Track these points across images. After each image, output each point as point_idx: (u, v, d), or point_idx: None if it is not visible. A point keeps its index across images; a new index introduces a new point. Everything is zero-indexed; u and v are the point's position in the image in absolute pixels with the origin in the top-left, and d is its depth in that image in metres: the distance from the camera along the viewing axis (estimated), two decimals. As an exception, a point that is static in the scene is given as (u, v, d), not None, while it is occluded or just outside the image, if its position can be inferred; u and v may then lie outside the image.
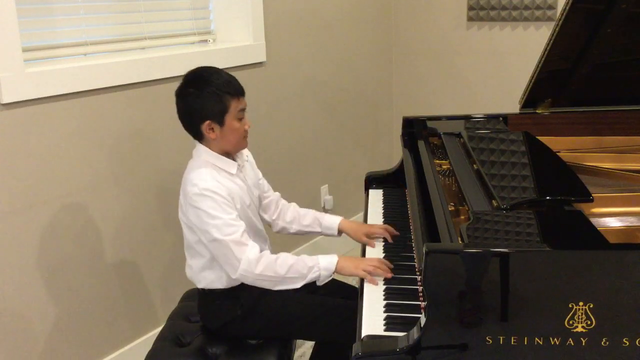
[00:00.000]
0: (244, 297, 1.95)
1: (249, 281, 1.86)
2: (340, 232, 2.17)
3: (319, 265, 1.87)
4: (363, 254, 2.04)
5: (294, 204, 2.22)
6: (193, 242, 1.94)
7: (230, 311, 1.95)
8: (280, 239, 2.14)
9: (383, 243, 2.07)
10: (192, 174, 1.87)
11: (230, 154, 1.96)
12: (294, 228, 2.18)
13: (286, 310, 1.96)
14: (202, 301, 2.02)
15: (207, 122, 1.87)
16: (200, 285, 1.99)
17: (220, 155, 1.92)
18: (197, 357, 1.92)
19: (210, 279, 1.95)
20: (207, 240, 1.85)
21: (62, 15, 2.36)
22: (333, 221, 2.17)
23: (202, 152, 1.92)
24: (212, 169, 1.88)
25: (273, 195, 2.19)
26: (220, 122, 1.88)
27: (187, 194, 1.86)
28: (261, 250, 1.89)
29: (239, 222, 1.86)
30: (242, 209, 1.94)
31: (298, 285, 1.87)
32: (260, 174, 2.15)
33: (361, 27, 3.61)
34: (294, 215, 2.18)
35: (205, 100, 1.86)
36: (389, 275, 1.80)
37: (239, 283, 1.92)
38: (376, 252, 2.01)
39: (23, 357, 2.24)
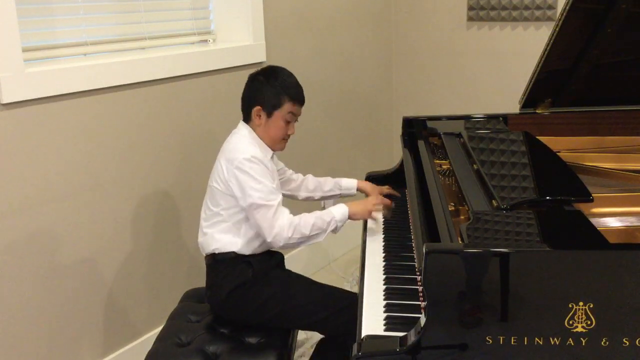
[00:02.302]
0: (255, 262, 2.05)
1: (280, 244, 1.99)
2: (358, 189, 2.41)
3: (335, 218, 2.05)
4: (363, 248, 2.06)
5: (310, 175, 2.41)
6: (222, 209, 2.04)
7: (243, 273, 2.03)
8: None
9: (383, 243, 2.07)
10: (240, 143, 2.04)
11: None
12: (317, 195, 2.40)
13: (292, 287, 2.07)
14: (212, 268, 2.09)
15: (258, 107, 2.05)
16: (212, 248, 2.06)
17: (260, 139, 2.08)
18: (197, 357, 1.92)
19: (224, 242, 2.05)
20: (247, 203, 1.97)
21: (62, 15, 2.36)
22: (351, 182, 2.41)
23: (246, 131, 2.08)
24: (256, 145, 2.05)
25: (289, 173, 2.38)
26: (269, 114, 2.06)
27: (234, 159, 1.99)
28: None
29: (278, 192, 2.03)
30: None
31: (321, 239, 2.05)
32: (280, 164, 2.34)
33: (361, 27, 3.61)
34: (315, 184, 2.39)
35: (267, 89, 2.05)
36: (390, 203, 2.23)
37: (251, 250, 2.04)
38: (376, 251, 2.02)
39: (23, 357, 2.24)
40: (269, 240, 1.99)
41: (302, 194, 2.39)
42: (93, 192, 2.37)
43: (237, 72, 2.82)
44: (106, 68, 2.33)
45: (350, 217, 2.10)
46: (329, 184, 2.39)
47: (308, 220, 2.01)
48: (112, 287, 2.49)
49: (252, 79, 2.11)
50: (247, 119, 2.10)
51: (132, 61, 2.42)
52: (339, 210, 2.08)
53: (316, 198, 2.41)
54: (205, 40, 2.89)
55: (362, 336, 1.53)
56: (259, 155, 2.00)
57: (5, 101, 2.05)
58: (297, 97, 2.09)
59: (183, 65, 2.61)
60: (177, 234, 2.70)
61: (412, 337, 1.40)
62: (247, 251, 2.05)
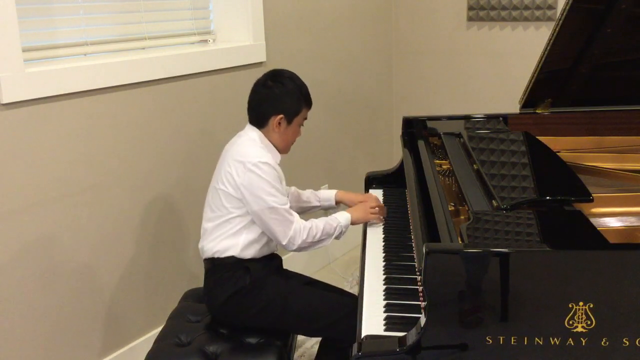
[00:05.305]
0: (254, 269, 2.03)
1: (294, 247, 2.03)
2: (337, 202, 2.37)
3: (340, 224, 2.12)
4: (363, 248, 2.06)
5: (293, 188, 2.36)
6: (227, 212, 2.02)
7: (240, 280, 2.01)
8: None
9: (383, 243, 2.07)
10: (251, 147, 2.02)
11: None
12: (294, 207, 2.31)
13: (291, 294, 2.05)
14: (211, 273, 2.07)
15: (281, 116, 2.04)
16: (212, 252, 2.04)
17: (270, 144, 2.08)
18: (197, 357, 1.92)
19: (225, 245, 2.03)
20: (259, 207, 1.97)
21: (62, 15, 2.36)
22: (329, 193, 2.39)
23: (255, 135, 2.06)
24: (266, 150, 2.04)
25: None
26: (289, 121, 2.06)
27: (247, 162, 1.98)
28: None
29: (286, 197, 2.07)
30: None
31: (327, 243, 2.11)
32: None
33: (361, 27, 3.61)
34: (294, 195, 2.33)
35: (288, 96, 2.05)
36: (384, 212, 2.22)
37: (250, 254, 2.03)
38: (376, 251, 2.02)
39: (23, 357, 2.24)
40: (283, 243, 2.01)
41: None
42: (93, 192, 2.37)
43: (237, 72, 2.82)
44: (106, 68, 2.33)
45: (352, 223, 2.16)
46: (305, 194, 2.37)
47: (318, 225, 2.07)
48: (112, 287, 2.49)
49: (263, 85, 2.07)
50: (260, 124, 2.07)
51: (132, 61, 2.42)
52: (343, 216, 2.14)
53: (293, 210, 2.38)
54: (205, 40, 2.89)
55: (362, 336, 1.53)
56: (270, 161, 2.00)
57: (5, 101, 2.05)
58: (310, 102, 2.12)
59: (183, 65, 2.61)
60: (177, 234, 2.70)
61: (412, 337, 1.40)
62: (246, 255, 2.03)
